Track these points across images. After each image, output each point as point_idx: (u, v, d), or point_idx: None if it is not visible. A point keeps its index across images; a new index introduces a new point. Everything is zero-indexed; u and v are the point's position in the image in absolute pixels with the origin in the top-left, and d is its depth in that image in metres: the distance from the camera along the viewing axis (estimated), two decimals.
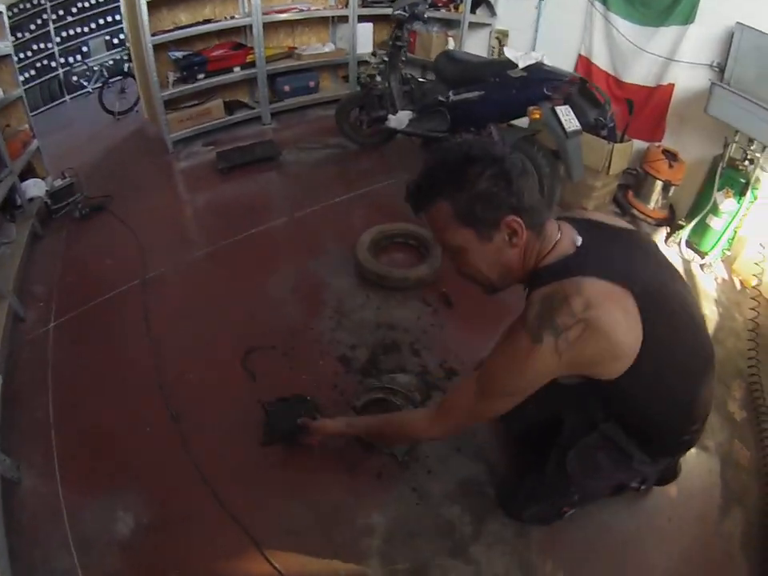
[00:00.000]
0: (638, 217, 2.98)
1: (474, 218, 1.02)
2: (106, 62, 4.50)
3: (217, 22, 3.42)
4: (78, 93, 4.42)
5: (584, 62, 3.30)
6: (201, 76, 3.39)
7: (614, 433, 1.25)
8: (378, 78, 3.23)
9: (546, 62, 2.54)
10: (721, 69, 2.61)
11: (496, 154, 1.02)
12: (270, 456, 1.62)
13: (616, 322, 0.96)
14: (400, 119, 3.07)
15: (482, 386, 1.10)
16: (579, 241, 1.06)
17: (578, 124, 2.42)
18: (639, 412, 1.13)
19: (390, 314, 2.18)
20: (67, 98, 4.56)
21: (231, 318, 2.13)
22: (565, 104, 2.46)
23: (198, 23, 3.37)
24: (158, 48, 3.09)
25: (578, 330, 0.94)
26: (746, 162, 2.42)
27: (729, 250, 2.64)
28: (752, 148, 2.39)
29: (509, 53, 2.58)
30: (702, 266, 2.64)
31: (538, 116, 2.45)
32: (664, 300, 1.03)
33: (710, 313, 2.35)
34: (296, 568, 1.38)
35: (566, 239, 1.07)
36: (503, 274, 1.10)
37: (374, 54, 3.49)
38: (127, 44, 3.55)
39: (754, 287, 2.35)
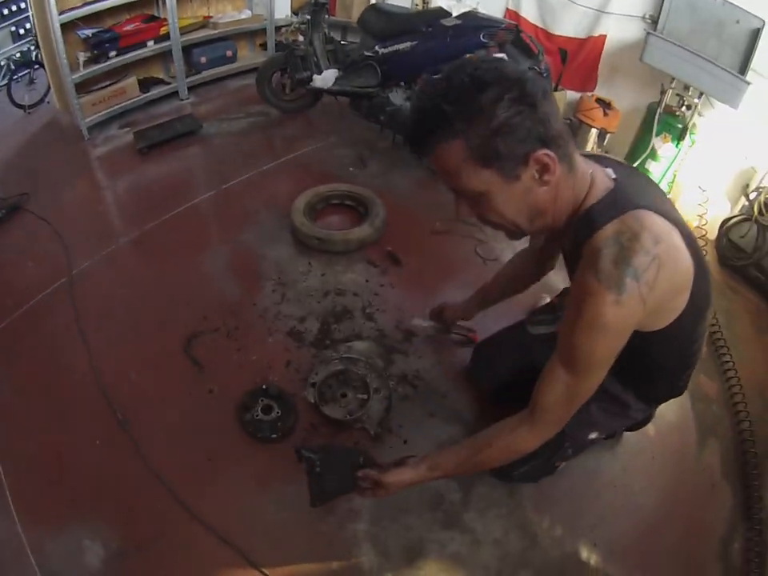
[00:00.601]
0: None
1: (495, 156, 0.82)
2: (13, 54, 4.04)
3: None
4: None
5: (512, 16, 3.21)
6: (113, 53, 3.12)
7: (607, 382, 1.19)
8: (301, 39, 3.05)
9: (480, 10, 2.45)
10: (653, 21, 2.62)
11: (512, 74, 0.82)
12: (231, 450, 1.47)
13: (681, 253, 0.87)
14: (326, 78, 2.91)
15: (573, 368, 0.94)
16: (612, 173, 0.94)
17: None
18: (650, 360, 1.05)
19: (336, 280, 2.06)
20: None
21: (166, 304, 1.92)
22: (500, 52, 2.39)
23: None
24: (66, 28, 2.79)
25: (654, 268, 0.83)
26: (684, 108, 2.47)
27: (668, 193, 2.71)
28: (689, 94, 2.44)
29: (441, 1, 2.47)
30: None
31: None
32: (691, 237, 0.93)
33: None
34: (285, 569, 1.26)
35: (599, 172, 0.94)
36: (532, 216, 0.92)
37: (295, 13, 3.26)
38: (34, 31, 3.18)
39: (697, 227, 2.41)
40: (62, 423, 1.54)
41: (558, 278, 1.63)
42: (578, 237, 0.91)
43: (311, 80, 2.95)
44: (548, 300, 1.92)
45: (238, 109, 3.42)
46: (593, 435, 1.30)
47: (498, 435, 1.05)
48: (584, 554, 1.34)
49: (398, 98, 2.68)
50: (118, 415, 1.53)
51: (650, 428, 1.57)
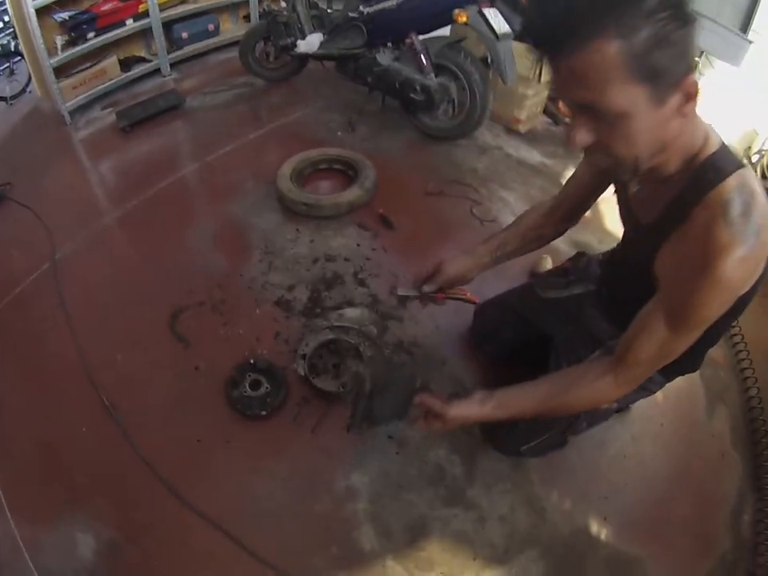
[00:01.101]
0: None
1: (654, 70, 0.67)
2: None
3: None
4: None
5: None
6: (91, 35, 2.99)
7: None
8: (283, 4, 2.90)
9: None
10: None
11: None
12: (220, 431, 1.38)
13: None
14: (310, 42, 2.78)
15: (679, 325, 0.85)
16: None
17: (507, 26, 2.24)
18: None
19: (326, 246, 1.96)
20: None
21: (151, 282, 1.81)
22: (491, 7, 2.27)
23: None
24: (42, 12, 2.68)
25: (766, 228, 0.75)
26: None
27: None
28: None
29: None
30: None
31: (464, 18, 2.24)
32: None
33: None
34: (284, 555, 1.18)
35: (710, 124, 0.84)
36: (656, 151, 0.78)
37: None
38: (11, 20, 3.09)
39: None
40: (51, 413, 1.45)
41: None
42: (701, 183, 0.81)
43: (295, 46, 2.82)
44: (549, 260, 1.84)
45: (222, 81, 3.29)
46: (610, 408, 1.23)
47: (578, 382, 0.96)
48: (594, 528, 1.28)
49: (385, 58, 2.54)
50: (105, 401, 1.44)
51: (658, 395, 1.49)
